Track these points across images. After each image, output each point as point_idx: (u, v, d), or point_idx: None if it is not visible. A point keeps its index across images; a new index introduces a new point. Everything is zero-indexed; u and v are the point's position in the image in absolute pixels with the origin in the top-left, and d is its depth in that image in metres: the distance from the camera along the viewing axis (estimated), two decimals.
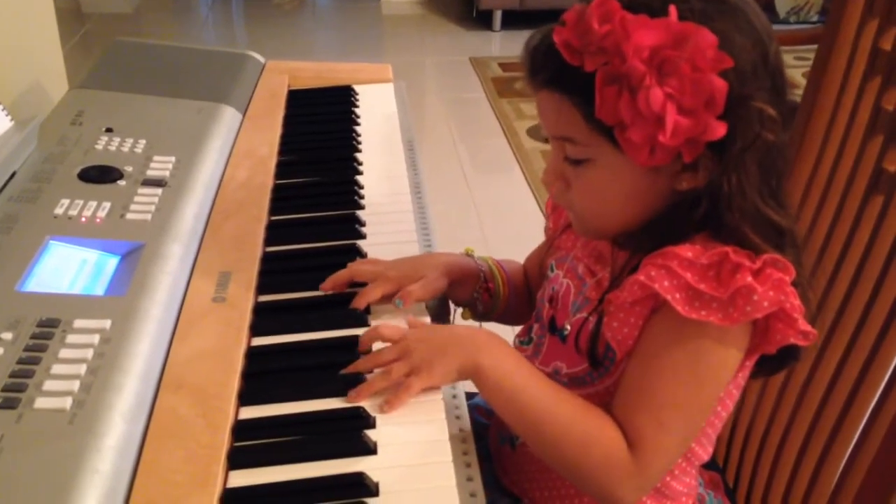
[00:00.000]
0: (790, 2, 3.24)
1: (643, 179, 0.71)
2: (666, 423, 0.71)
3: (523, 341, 0.89)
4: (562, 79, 0.70)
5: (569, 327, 0.81)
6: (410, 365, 0.75)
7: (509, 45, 4.22)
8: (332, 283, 0.89)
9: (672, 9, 0.65)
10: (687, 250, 0.69)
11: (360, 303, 0.86)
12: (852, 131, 0.92)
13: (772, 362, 0.76)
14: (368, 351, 0.79)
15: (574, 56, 0.67)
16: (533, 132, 3.20)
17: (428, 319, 0.87)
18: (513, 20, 4.31)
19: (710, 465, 0.98)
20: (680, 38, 0.64)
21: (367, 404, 0.74)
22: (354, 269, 0.89)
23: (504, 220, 2.64)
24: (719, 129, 0.65)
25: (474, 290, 0.94)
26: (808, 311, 0.70)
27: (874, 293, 0.86)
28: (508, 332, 0.93)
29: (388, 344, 0.78)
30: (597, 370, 0.77)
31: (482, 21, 4.46)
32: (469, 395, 0.82)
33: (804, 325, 0.69)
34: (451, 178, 2.92)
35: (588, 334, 0.77)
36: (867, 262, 0.87)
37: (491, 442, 0.92)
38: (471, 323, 0.96)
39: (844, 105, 0.94)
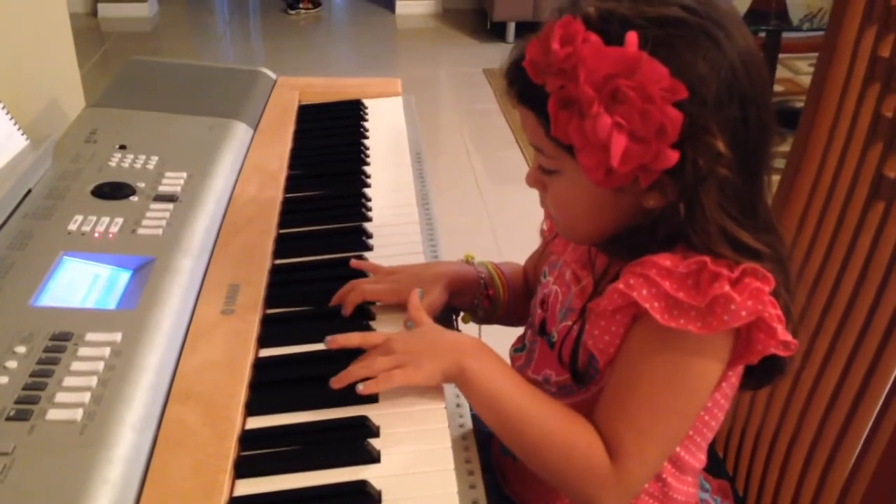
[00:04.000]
0: (803, 9, 3.23)
1: (608, 196, 0.72)
2: (646, 431, 0.72)
3: (518, 349, 0.90)
4: (528, 95, 0.72)
5: (556, 334, 0.82)
6: (396, 361, 0.76)
7: None
8: (336, 300, 0.91)
9: (631, 36, 0.65)
10: (665, 259, 0.69)
11: (354, 299, 0.88)
12: (853, 138, 0.93)
13: (758, 376, 0.77)
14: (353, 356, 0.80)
15: (538, 75, 0.69)
16: None
17: None
18: (526, 31, 4.29)
19: (719, 473, 0.99)
20: (632, 67, 0.64)
21: (373, 414, 0.75)
22: (358, 288, 0.90)
23: (518, 230, 2.64)
24: (671, 158, 0.65)
25: (475, 298, 0.95)
26: (789, 321, 0.70)
27: (877, 298, 0.86)
28: (506, 341, 0.93)
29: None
30: (581, 380, 0.78)
31: (496, 32, 4.49)
32: None
33: (784, 335, 0.69)
34: (465, 189, 2.94)
35: (570, 346, 0.78)
36: (869, 267, 0.88)
37: (493, 452, 0.92)
38: (472, 327, 0.98)
39: (845, 112, 0.94)
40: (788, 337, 0.69)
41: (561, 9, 0.70)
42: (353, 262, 0.95)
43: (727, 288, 0.67)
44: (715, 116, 0.66)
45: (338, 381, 0.76)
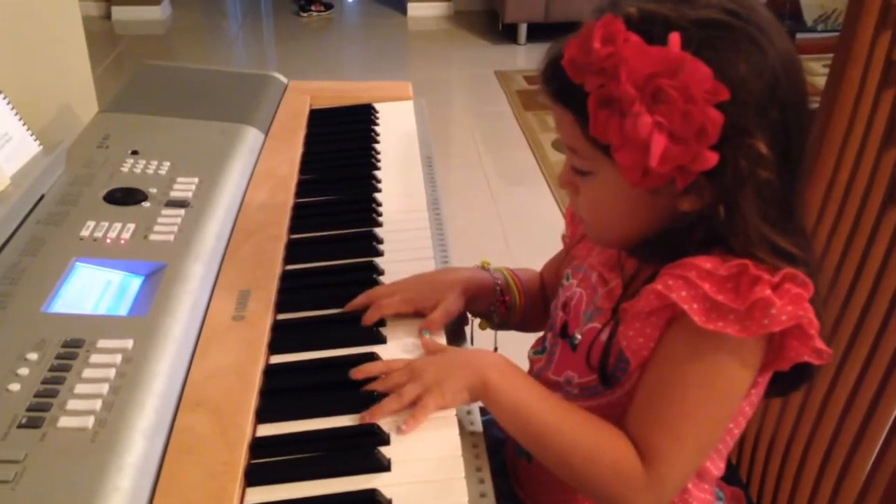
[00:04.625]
0: (817, 10, 3.22)
1: (642, 198, 0.72)
2: (681, 437, 0.71)
3: (537, 351, 0.89)
4: (566, 94, 0.71)
5: (580, 336, 0.81)
6: (423, 385, 0.76)
7: (534, 58, 4.12)
8: (350, 308, 0.90)
9: (674, 37, 0.65)
10: (706, 261, 0.69)
11: (372, 316, 0.87)
12: (868, 143, 0.92)
13: (785, 382, 0.76)
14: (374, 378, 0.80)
15: (577, 74, 0.68)
16: (558, 144, 3.20)
17: (443, 337, 0.88)
18: (538, 33, 4.32)
19: (733, 481, 0.98)
20: (675, 67, 0.64)
21: (383, 422, 0.75)
22: (372, 295, 0.90)
23: (529, 232, 2.64)
24: (710, 160, 0.65)
25: (491, 304, 0.95)
26: (821, 328, 0.70)
27: (892, 304, 0.85)
28: (524, 344, 0.93)
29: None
30: (607, 382, 0.78)
31: (507, 35, 4.49)
32: (484, 411, 0.83)
33: (819, 343, 0.68)
34: (476, 191, 2.93)
35: (600, 348, 0.78)
36: (884, 273, 0.87)
37: (508, 455, 0.92)
38: (488, 333, 0.97)
39: (860, 116, 0.93)
40: (823, 345, 0.69)
41: (601, 9, 0.69)
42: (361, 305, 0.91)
43: (768, 292, 0.66)
44: (756, 119, 0.66)
45: (370, 416, 0.75)
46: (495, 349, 0.93)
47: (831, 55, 0.98)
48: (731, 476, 1.01)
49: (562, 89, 0.72)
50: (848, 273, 0.93)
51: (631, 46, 0.65)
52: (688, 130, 0.64)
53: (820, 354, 0.69)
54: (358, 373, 0.79)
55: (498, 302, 0.96)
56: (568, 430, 0.74)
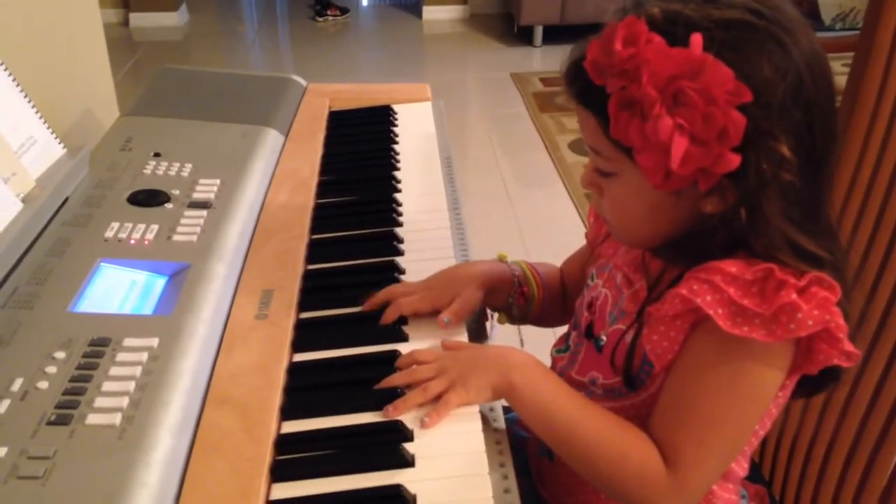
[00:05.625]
0: (835, 9, 3.20)
1: (665, 200, 0.71)
2: (706, 441, 0.71)
3: (560, 350, 0.90)
4: (588, 95, 0.71)
5: (605, 338, 0.81)
6: (448, 381, 0.76)
7: (550, 60, 4.24)
8: (369, 306, 0.91)
9: (696, 38, 0.64)
10: (731, 265, 0.69)
11: (391, 314, 0.87)
12: (891, 141, 0.91)
13: (811, 384, 0.76)
14: None
15: (599, 76, 0.68)
16: (574, 146, 3.20)
17: (465, 334, 0.88)
18: (554, 35, 4.32)
19: (756, 479, 0.98)
20: (697, 69, 0.64)
21: (406, 418, 0.76)
22: (391, 292, 0.90)
23: (546, 233, 2.64)
24: (733, 162, 0.65)
25: (509, 296, 0.95)
26: (848, 329, 0.69)
27: None
28: (547, 339, 0.93)
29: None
30: (631, 384, 0.78)
31: (523, 37, 4.49)
32: (507, 409, 0.83)
33: (848, 346, 0.68)
34: (493, 193, 2.94)
35: (624, 350, 0.78)
36: None
37: (530, 454, 0.92)
38: (512, 331, 0.97)
39: (882, 114, 0.93)
40: (852, 348, 0.68)
41: (624, 9, 0.69)
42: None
43: (794, 296, 0.66)
44: (780, 121, 0.66)
45: (394, 409, 0.76)
46: (521, 345, 0.93)
47: (850, 54, 0.98)
48: (753, 474, 1.00)
49: (584, 91, 0.72)
50: (870, 273, 0.92)
51: (653, 48, 0.65)
52: (709, 132, 0.64)
53: (849, 357, 0.68)
54: (387, 383, 0.79)
55: (516, 294, 0.96)
56: (594, 431, 0.74)
